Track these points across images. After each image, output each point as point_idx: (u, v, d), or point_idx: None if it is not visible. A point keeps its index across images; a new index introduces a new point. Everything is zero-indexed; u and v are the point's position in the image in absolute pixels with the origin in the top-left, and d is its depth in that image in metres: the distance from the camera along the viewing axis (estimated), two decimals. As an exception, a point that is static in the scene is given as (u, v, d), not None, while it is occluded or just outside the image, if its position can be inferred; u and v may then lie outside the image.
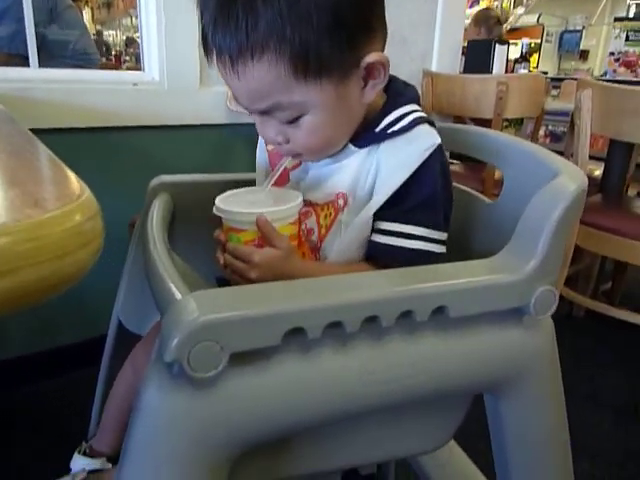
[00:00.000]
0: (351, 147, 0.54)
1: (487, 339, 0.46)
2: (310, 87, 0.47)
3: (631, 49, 3.31)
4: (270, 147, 0.62)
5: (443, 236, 0.54)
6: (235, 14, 0.44)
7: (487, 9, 2.96)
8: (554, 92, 2.54)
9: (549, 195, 0.46)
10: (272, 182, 0.55)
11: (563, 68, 4.65)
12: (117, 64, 3.33)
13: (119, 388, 0.70)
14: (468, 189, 0.65)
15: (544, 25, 4.38)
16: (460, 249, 0.57)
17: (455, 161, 1.83)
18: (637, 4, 4.17)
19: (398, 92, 0.56)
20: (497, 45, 1.79)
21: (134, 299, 0.72)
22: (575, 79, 1.80)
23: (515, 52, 3.92)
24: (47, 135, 0.56)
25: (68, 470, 0.72)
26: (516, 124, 2.16)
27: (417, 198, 0.51)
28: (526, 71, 3.29)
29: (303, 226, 0.55)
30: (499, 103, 1.40)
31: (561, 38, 4.60)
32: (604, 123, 1.31)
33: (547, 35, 4.45)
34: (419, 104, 0.56)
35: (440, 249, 0.53)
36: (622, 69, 3.36)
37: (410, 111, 0.53)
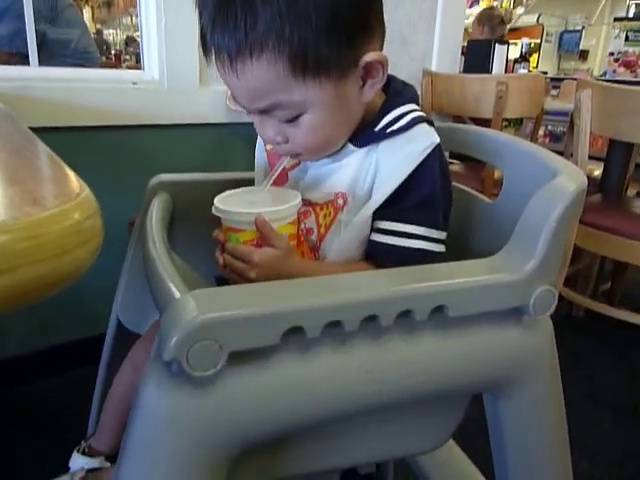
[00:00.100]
0: (350, 146, 0.54)
1: (486, 339, 0.46)
2: (309, 86, 0.47)
3: (631, 49, 3.31)
4: (269, 147, 0.62)
5: (442, 235, 0.54)
6: (234, 13, 0.44)
7: (491, 8, 2.96)
8: (554, 92, 2.54)
9: (548, 195, 0.46)
10: (271, 182, 0.55)
11: (563, 68, 4.65)
12: (117, 63, 3.33)
13: (118, 387, 0.70)
14: (467, 189, 0.65)
15: (544, 25, 4.38)
16: (459, 249, 0.57)
17: (455, 161, 1.83)
18: (637, 4, 4.17)
19: (397, 92, 0.56)
20: (497, 45, 1.79)
21: (133, 298, 0.72)
22: (575, 79, 1.80)
23: (515, 52, 3.92)
24: (47, 133, 0.56)
25: (67, 469, 0.72)
26: (516, 124, 2.16)
27: (416, 197, 0.51)
28: (526, 71, 3.29)
29: (302, 226, 0.55)
30: (499, 103, 1.40)
31: (561, 38, 4.60)
32: (603, 123, 1.31)
33: (547, 35, 4.45)
34: (418, 104, 0.56)
35: (439, 248, 0.53)
36: (622, 69, 3.36)
37: (409, 110, 0.53)
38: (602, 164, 1.67)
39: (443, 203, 0.54)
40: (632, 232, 1.28)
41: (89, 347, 0.91)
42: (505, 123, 1.90)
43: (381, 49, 0.52)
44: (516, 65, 3.26)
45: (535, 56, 4.20)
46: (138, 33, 1.24)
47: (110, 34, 3.73)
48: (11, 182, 0.29)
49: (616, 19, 3.66)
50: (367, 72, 0.50)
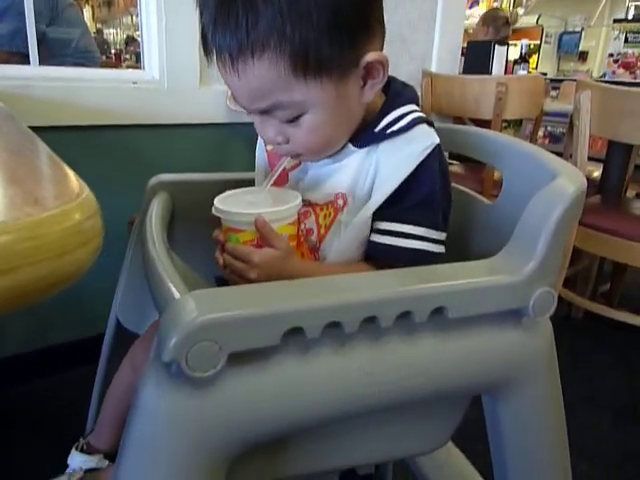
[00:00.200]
0: (350, 147, 0.54)
1: (486, 340, 0.46)
2: (310, 86, 0.47)
3: (630, 50, 3.32)
4: (269, 147, 0.62)
5: (442, 236, 0.54)
6: (235, 12, 0.44)
7: (496, 9, 2.96)
8: (553, 93, 2.55)
9: (548, 197, 0.46)
10: (271, 182, 0.55)
11: (562, 69, 4.65)
12: (117, 62, 3.33)
13: (117, 386, 0.69)
14: (467, 190, 0.65)
15: (543, 26, 4.39)
16: (459, 250, 0.57)
17: (454, 162, 1.83)
18: (636, 5, 4.18)
19: (397, 92, 0.56)
20: (496, 46, 1.79)
21: (132, 298, 0.72)
22: (574, 80, 1.80)
23: (514, 53, 3.93)
24: (47, 133, 0.56)
25: (66, 467, 0.72)
26: (515, 125, 2.17)
27: (416, 197, 0.51)
28: (525, 72, 3.30)
29: (302, 226, 0.55)
30: (498, 104, 1.40)
31: (560, 39, 4.61)
32: (603, 124, 1.32)
33: (546, 36, 4.45)
34: (418, 105, 0.56)
35: (439, 249, 0.53)
36: (621, 70, 3.37)
37: (409, 111, 0.53)
38: (601, 165, 1.68)
39: (443, 203, 0.54)
40: (631, 233, 1.28)
41: (88, 347, 0.91)
42: (505, 124, 1.91)
43: (381, 49, 0.52)
44: (516, 66, 3.27)
45: (535, 57, 4.21)
46: (138, 32, 1.24)
47: (110, 33, 3.73)
48: (11, 182, 0.29)
49: (615, 20, 3.67)
50: (368, 72, 0.50)
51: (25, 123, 0.53)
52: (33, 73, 1.07)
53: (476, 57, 1.86)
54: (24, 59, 1.09)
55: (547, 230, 0.44)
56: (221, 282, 0.58)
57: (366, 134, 0.53)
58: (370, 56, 0.49)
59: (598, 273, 1.65)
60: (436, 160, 0.52)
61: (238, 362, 0.37)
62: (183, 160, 1.21)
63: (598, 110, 1.30)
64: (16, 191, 0.26)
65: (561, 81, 2.77)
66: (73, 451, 0.72)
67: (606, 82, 1.43)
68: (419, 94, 0.59)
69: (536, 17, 4.45)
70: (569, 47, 4.56)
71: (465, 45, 1.91)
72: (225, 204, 0.52)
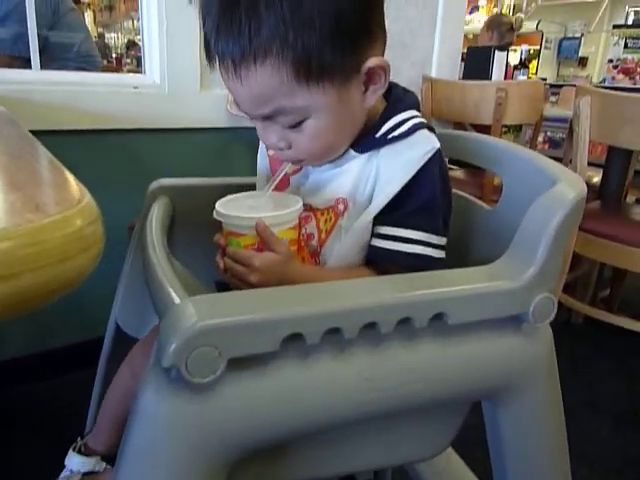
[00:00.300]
0: (352, 152, 0.54)
1: (486, 346, 0.46)
2: (312, 91, 0.47)
3: (630, 56, 3.33)
4: (271, 152, 0.62)
5: (442, 241, 0.54)
6: (238, 19, 0.44)
7: (501, 15, 2.97)
8: (553, 98, 2.55)
9: (548, 203, 0.46)
10: (273, 187, 0.56)
11: (562, 75, 4.67)
12: (118, 67, 3.34)
13: (115, 389, 0.69)
14: (467, 195, 0.65)
15: (543, 32, 4.40)
16: (459, 256, 0.57)
17: (454, 167, 1.83)
18: (636, 11, 4.19)
19: (398, 98, 0.56)
20: (496, 51, 1.80)
21: (132, 302, 0.72)
22: (574, 86, 1.81)
23: (514, 59, 3.94)
24: (47, 137, 0.56)
25: (63, 467, 0.72)
26: (515, 130, 2.17)
27: (416, 202, 0.52)
28: (525, 77, 3.31)
29: (303, 231, 0.56)
30: (498, 109, 1.41)
31: (560, 45, 4.62)
32: (603, 130, 1.32)
33: (546, 42, 4.46)
34: (419, 110, 0.56)
35: (439, 254, 0.53)
36: (621, 76, 3.38)
37: (410, 117, 0.54)
38: (601, 171, 1.68)
39: (443, 208, 0.54)
40: (631, 239, 1.28)
41: (88, 350, 0.90)
42: (504, 129, 1.91)
43: (383, 54, 0.52)
44: (515, 72, 3.28)
45: (534, 63, 4.22)
46: (139, 37, 1.25)
47: (111, 38, 3.74)
48: (12, 187, 0.29)
49: (615, 26, 3.68)
50: (369, 78, 0.50)
51: (26, 127, 0.54)
52: (34, 77, 1.07)
53: (476, 62, 1.87)
54: (26, 63, 1.09)
55: (547, 236, 0.44)
56: (221, 287, 0.58)
57: (367, 139, 0.54)
58: (372, 61, 0.49)
59: (598, 279, 1.65)
60: (436, 165, 0.52)
61: (238, 367, 0.37)
62: (183, 164, 1.21)
63: (598, 116, 1.31)
64: (17, 196, 0.26)
65: (561, 86, 2.78)
66: (70, 452, 0.72)
67: (606, 88, 1.44)
68: (419, 99, 0.59)
69: (536, 23, 4.47)
70: (569, 52, 4.58)
71: (465, 50, 1.92)
72: (226, 208, 0.52)
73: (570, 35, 4.62)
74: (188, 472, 0.38)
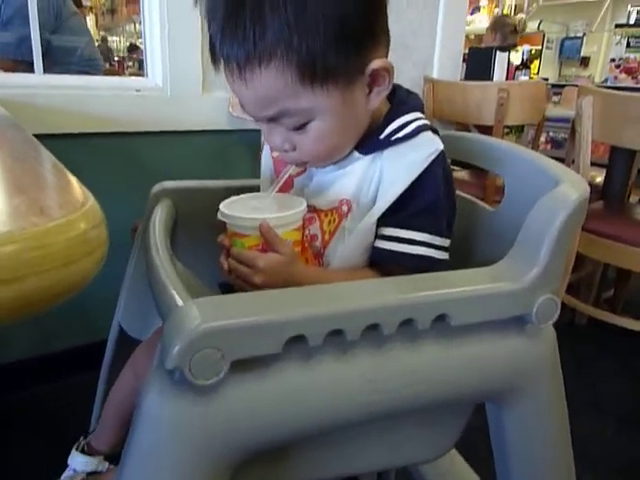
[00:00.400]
0: (355, 154, 0.54)
1: (489, 348, 0.46)
2: (317, 93, 0.48)
3: (632, 55, 3.33)
4: (275, 154, 0.62)
5: (445, 242, 0.54)
6: (243, 23, 0.44)
7: (505, 16, 2.97)
8: (555, 99, 2.55)
9: (551, 203, 0.46)
10: (277, 188, 0.56)
11: (564, 75, 4.66)
12: (120, 70, 3.35)
13: (118, 390, 0.70)
14: (469, 196, 0.65)
15: (545, 32, 4.40)
16: (462, 257, 0.57)
17: (457, 168, 1.83)
18: (638, 10, 4.18)
19: (401, 100, 0.56)
20: (498, 52, 1.80)
21: (135, 304, 0.72)
22: (576, 86, 1.80)
23: (516, 59, 3.94)
24: (51, 140, 0.56)
25: (64, 467, 0.72)
26: (517, 131, 2.16)
27: (420, 204, 0.52)
28: (527, 78, 3.31)
29: (307, 232, 0.56)
30: (500, 110, 1.40)
31: (562, 45, 4.61)
32: (605, 130, 1.32)
33: (548, 42, 4.46)
34: (422, 112, 0.56)
35: (442, 255, 0.53)
36: (623, 75, 3.37)
37: (414, 119, 0.54)
38: (604, 171, 1.67)
39: (447, 210, 0.54)
40: (635, 239, 1.28)
41: (92, 353, 0.91)
42: (506, 130, 1.91)
43: (386, 56, 0.52)
44: (517, 72, 3.28)
45: (536, 63, 4.21)
46: (141, 40, 1.25)
47: (113, 41, 3.76)
48: (16, 190, 0.29)
49: (617, 25, 3.68)
50: (373, 79, 0.51)
51: (29, 131, 0.54)
52: (37, 81, 1.07)
53: (477, 63, 1.87)
54: (30, 67, 1.10)
55: (550, 237, 0.44)
56: (225, 288, 0.58)
57: (371, 141, 0.54)
58: (376, 63, 0.49)
59: (601, 279, 1.65)
60: (440, 167, 0.52)
61: (241, 369, 0.37)
62: (185, 167, 1.21)
63: (600, 116, 1.30)
64: (21, 200, 0.26)
65: (563, 86, 2.77)
66: (73, 451, 0.73)
67: (608, 87, 1.44)
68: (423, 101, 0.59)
69: (537, 23, 4.46)
70: (571, 52, 4.57)
71: (467, 51, 1.92)
72: (231, 209, 0.52)
73: (572, 35, 4.61)
74: (192, 474, 0.38)
